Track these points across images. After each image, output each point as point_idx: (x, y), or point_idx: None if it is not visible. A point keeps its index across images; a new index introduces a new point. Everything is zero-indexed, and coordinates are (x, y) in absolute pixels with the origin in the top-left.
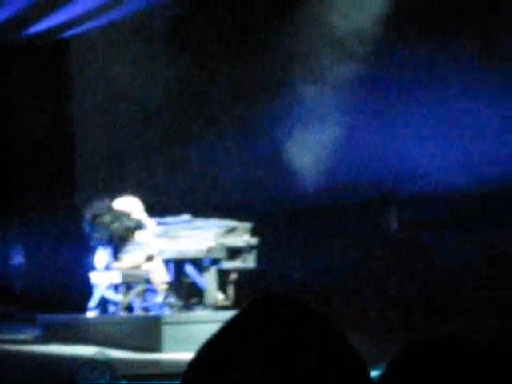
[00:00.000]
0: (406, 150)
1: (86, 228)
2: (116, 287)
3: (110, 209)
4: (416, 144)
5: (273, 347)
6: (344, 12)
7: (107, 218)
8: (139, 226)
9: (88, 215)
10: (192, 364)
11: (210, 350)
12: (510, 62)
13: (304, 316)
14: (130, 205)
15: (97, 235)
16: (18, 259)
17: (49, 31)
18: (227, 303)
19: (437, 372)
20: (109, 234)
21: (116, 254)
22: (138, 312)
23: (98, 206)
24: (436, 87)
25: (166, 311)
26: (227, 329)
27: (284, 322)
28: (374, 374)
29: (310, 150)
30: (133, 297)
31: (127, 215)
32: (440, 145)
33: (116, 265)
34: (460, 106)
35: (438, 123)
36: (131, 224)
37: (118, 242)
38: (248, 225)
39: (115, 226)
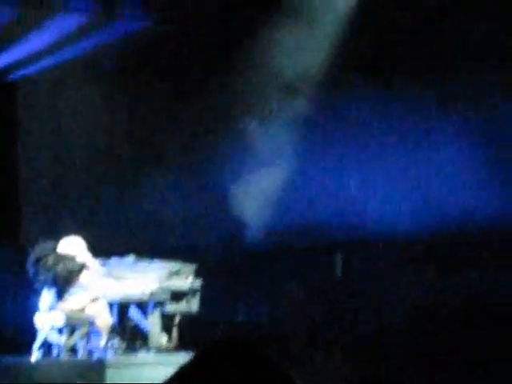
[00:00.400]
0: (352, 194)
1: (30, 269)
2: (60, 329)
3: (53, 250)
4: (363, 189)
5: None
6: (290, 53)
7: (50, 260)
8: (83, 267)
9: (32, 257)
10: None
11: None
12: (462, 103)
13: (258, 360)
14: (73, 246)
15: (41, 277)
16: None
17: None
18: (171, 346)
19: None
20: (52, 275)
21: (60, 296)
22: (81, 354)
23: (41, 247)
24: (385, 131)
25: (110, 354)
26: (183, 373)
27: (239, 367)
28: None
29: (257, 193)
30: (76, 339)
31: (71, 257)
32: (387, 190)
33: (60, 307)
34: (409, 150)
35: (385, 168)
36: (75, 266)
37: (63, 283)
38: (192, 267)
39: (59, 268)
